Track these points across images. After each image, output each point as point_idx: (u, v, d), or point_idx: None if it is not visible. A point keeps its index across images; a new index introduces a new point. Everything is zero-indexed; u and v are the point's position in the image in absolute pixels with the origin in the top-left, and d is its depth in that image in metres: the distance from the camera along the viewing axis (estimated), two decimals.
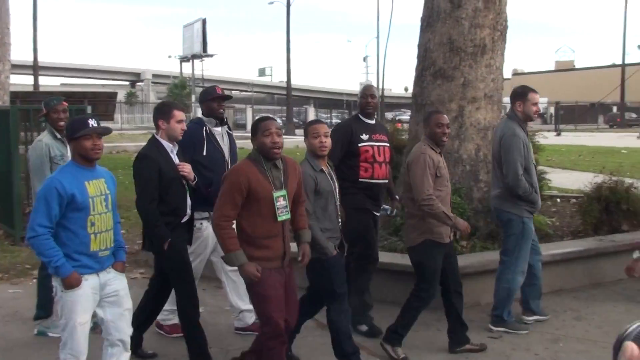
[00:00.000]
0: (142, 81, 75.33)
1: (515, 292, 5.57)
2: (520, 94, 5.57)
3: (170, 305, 5.20)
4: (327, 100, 72.00)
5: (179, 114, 4.75)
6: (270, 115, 4.73)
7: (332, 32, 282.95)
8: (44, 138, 5.52)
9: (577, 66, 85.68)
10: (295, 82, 59.98)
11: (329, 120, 53.01)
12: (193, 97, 55.40)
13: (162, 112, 4.76)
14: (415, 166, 4.84)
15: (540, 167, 7.73)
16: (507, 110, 5.75)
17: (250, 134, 4.32)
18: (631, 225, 7.52)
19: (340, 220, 4.68)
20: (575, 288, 6.22)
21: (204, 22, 59.23)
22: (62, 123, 5.42)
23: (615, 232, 7.32)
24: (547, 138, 8.82)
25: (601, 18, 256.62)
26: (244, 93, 70.95)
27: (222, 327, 5.62)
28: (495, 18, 7.43)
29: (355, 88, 56.75)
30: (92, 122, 3.83)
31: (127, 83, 76.39)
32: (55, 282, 3.78)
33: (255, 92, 73.83)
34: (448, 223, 4.83)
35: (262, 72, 79.83)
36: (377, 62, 51.41)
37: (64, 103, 5.61)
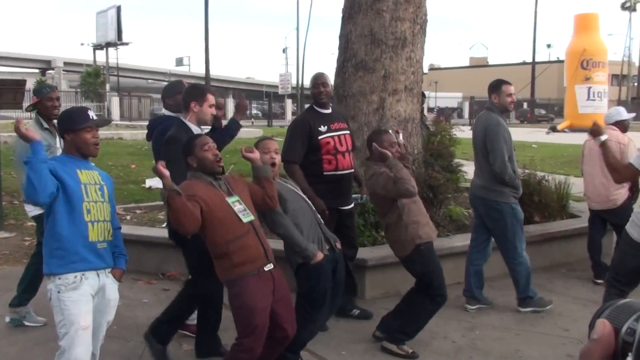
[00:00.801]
0: (53, 69, 72.43)
1: (529, 268, 5.78)
2: (495, 86, 5.76)
3: None
4: (247, 92, 71.41)
5: (212, 98, 4.56)
6: (201, 133, 4.54)
7: (252, 21, 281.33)
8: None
9: (490, 63, 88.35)
10: (214, 72, 59.30)
11: (248, 112, 52.74)
12: (107, 86, 53.80)
13: (196, 95, 4.54)
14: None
15: (456, 160, 7.90)
16: (487, 104, 5.87)
17: None
18: (542, 216, 7.78)
19: (318, 216, 4.52)
20: (490, 277, 6.36)
21: (118, 9, 57.47)
22: (56, 111, 5.23)
23: (528, 223, 7.54)
24: (464, 132, 9.00)
25: (513, 16, 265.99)
26: (160, 83, 69.47)
27: (140, 319, 5.46)
28: (416, 11, 7.52)
29: (275, 79, 56.55)
30: (91, 114, 3.62)
31: (37, 71, 73.30)
32: (51, 285, 3.47)
33: (172, 82, 72.26)
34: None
35: (179, 62, 78.39)
36: (297, 53, 51.49)
37: (55, 91, 5.43)
